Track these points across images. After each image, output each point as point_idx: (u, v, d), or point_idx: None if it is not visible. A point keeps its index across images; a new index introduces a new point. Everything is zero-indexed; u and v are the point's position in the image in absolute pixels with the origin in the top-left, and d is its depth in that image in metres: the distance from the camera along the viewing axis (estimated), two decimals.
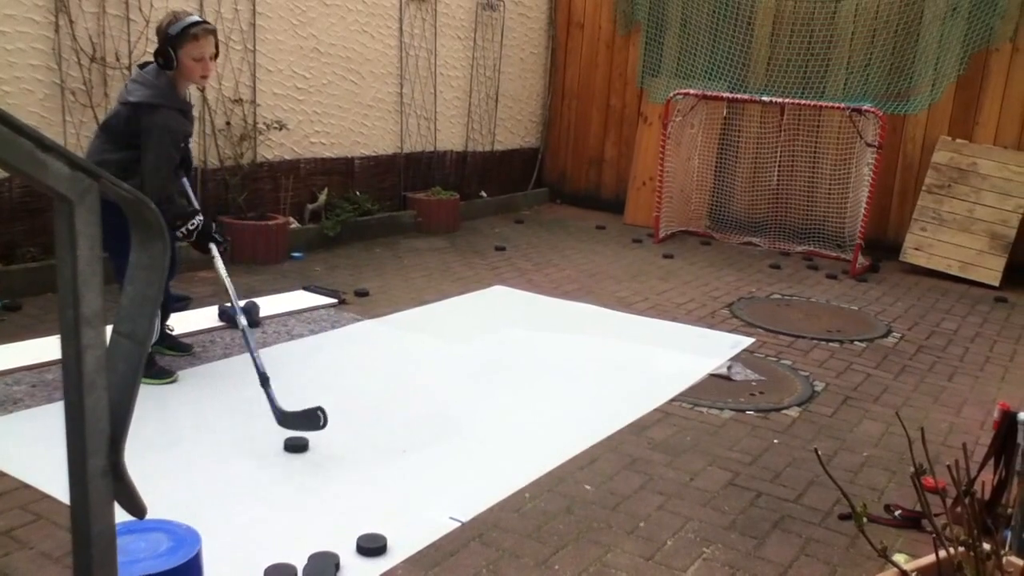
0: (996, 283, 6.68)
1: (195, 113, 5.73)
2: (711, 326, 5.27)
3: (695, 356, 4.67)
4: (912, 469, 1.77)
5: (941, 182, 7.10)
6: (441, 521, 2.83)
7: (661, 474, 3.29)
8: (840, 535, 2.92)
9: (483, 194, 8.61)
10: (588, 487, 3.14)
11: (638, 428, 3.70)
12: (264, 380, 3.43)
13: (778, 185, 7.95)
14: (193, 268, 5.59)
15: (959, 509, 1.92)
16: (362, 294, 5.39)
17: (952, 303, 6.25)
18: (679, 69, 8.35)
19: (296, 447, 3.27)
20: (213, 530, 2.55)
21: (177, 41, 3.62)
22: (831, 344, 5.07)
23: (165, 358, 4.07)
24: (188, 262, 5.52)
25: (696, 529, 2.90)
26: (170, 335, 4.22)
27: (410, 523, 2.80)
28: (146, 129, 3.61)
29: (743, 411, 3.97)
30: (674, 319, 5.36)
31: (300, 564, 2.50)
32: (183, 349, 4.25)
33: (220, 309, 4.73)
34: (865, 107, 6.92)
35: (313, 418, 3.27)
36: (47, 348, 4.03)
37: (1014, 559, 1.88)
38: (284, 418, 3.35)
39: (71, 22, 5.03)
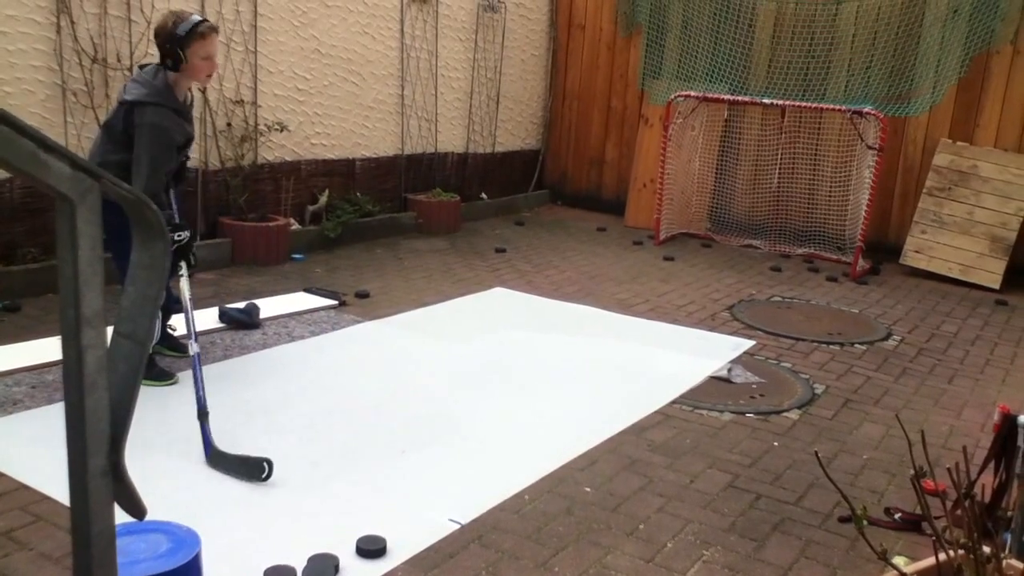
0: (996, 286, 6.68)
1: (196, 114, 5.76)
2: (711, 328, 5.26)
3: (695, 358, 4.66)
4: (912, 472, 1.77)
5: (942, 185, 7.10)
6: (441, 523, 2.83)
7: (661, 476, 3.29)
8: (840, 537, 2.92)
9: (484, 196, 8.62)
10: (588, 489, 3.14)
11: (638, 430, 3.70)
12: (202, 414, 3.23)
13: (779, 187, 7.95)
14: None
15: (959, 512, 1.92)
16: (363, 295, 5.39)
17: (952, 306, 6.25)
18: (680, 71, 8.35)
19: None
20: (213, 532, 2.54)
21: (186, 41, 3.62)
22: (831, 347, 5.07)
23: (165, 360, 4.07)
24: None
25: (696, 531, 2.90)
26: (171, 336, 4.22)
27: (410, 525, 2.80)
28: (138, 126, 3.61)
29: (743, 413, 3.97)
30: (674, 321, 5.36)
31: (300, 566, 2.50)
32: (183, 350, 4.25)
33: (220, 310, 4.73)
34: (866, 109, 6.93)
35: (256, 467, 3.04)
36: (47, 349, 4.03)
37: (1014, 562, 1.88)
38: (215, 458, 3.14)
39: (72, 23, 5.04)
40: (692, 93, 7.71)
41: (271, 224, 6.07)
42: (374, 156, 7.32)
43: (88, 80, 5.14)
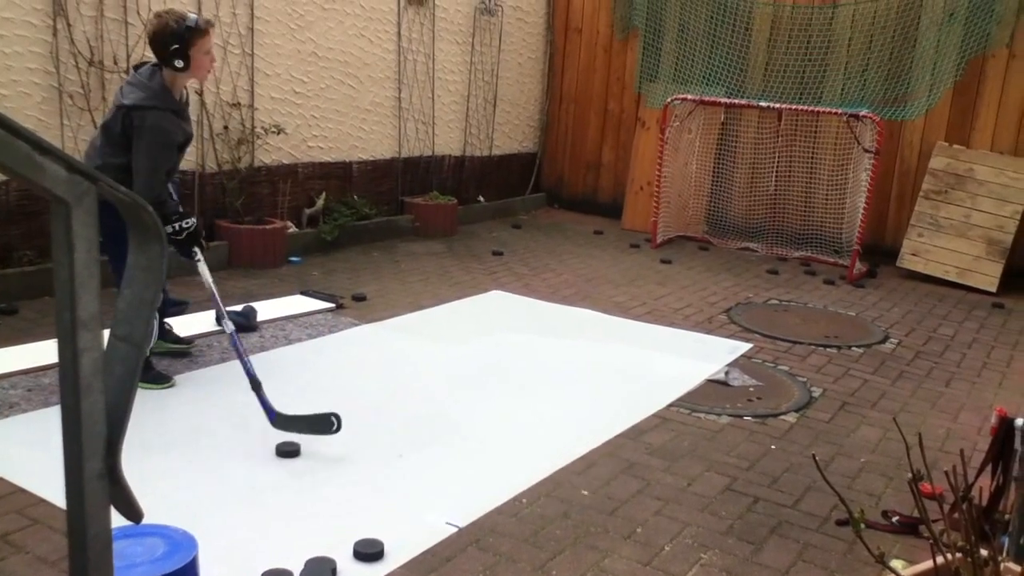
0: (993, 289, 6.69)
1: (193, 117, 5.75)
2: (709, 331, 5.27)
3: (693, 361, 4.66)
4: (909, 475, 1.77)
5: (938, 188, 7.11)
6: (438, 526, 2.82)
7: (659, 479, 3.28)
8: (838, 541, 2.92)
9: (481, 199, 8.62)
10: (585, 492, 3.14)
11: (636, 433, 3.69)
12: (256, 385, 3.40)
13: (775, 190, 7.96)
14: (191, 272, 5.58)
15: (957, 515, 1.92)
16: (360, 298, 5.38)
17: (949, 309, 6.26)
18: (677, 74, 8.36)
19: (291, 452, 3.27)
20: (210, 535, 2.54)
21: (189, 38, 3.62)
22: (828, 350, 5.08)
23: (162, 362, 4.06)
24: (185, 266, 5.52)
25: (693, 534, 2.90)
26: (169, 331, 4.23)
27: (407, 528, 2.79)
28: (138, 130, 3.62)
29: (741, 416, 3.97)
30: (671, 324, 5.36)
31: (297, 569, 2.49)
32: (183, 342, 4.27)
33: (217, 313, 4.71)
34: (862, 113, 6.94)
35: (325, 423, 3.27)
36: (43, 352, 4.02)
37: (1011, 565, 1.88)
38: (281, 421, 3.34)
39: (69, 26, 5.03)
40: (689, 96, 7.72)
41: (268, 227, 6.06)
42: (371, 159, 7.32)
43: (84, 83, 5.14)
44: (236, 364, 4.19)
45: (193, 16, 3.67)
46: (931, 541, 1.72)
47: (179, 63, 3.64)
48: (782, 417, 4.00)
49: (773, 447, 3.66)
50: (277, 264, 6.04)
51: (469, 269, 6.43)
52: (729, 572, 2.69)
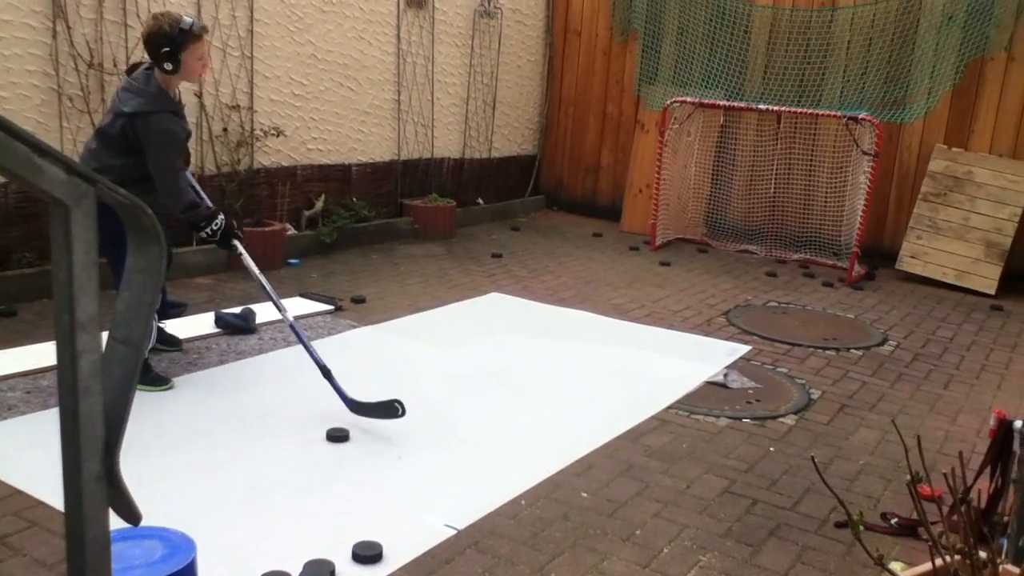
0: (992, 291, 6.69)
1: (192, 119, 5.78)
2: (707, 333, 5.27)
3: (691, 363, 4.67)
4: (908, 477, 1.77)
5: (937, 190, 7.12)
6: (437, 528, 2.82)
7: (657, 481, 3.28)
8: (836, 543, 2.92)
9: (480, 201, 8.62)
10: (584, 494, 3.14)
11: (634, 435, 3.69)
12: (326, 372, 3.62)
13: (774, 193, 7.96)
14: (189, 274, 5.59)
15: (955, 517, 1.92)
16: (359, 300, 5.38)
17: (948, 311, 6.26)
18: (676, 77, 8.37)
19: (341, 437, 3.41)
20: (208, 537, 2.53)
21: (181, 42, 3.64)
22: (827, 352, 5.08)
23: (161, 364, 4.06)
24: (184, 268, 5.53)
25: (692, 536, 2.90)
26: (161, 329, 4.24)
27: (406, 530, 2.79)
28: (146, 137, 3.64)
29: (739, 419, 3.97)
30: (670, 326, 5.37)
31: (296, 571, 2.49)
32: (174, 344, 4.28)
33: (216, 315, 4.72)
34: (861, 115, 6.94)
35: (391, 409, 3.48)
36: (42, 354, 4.02)
37: (1010, 567, 1.88)
38: (357, 408, 3.55)
39: (68, 28, 5.03)
40: (688, 99, 7.73)
41: (267, 229, 6.06)
42: (370, 161, 7.32)
43: (84, 85, 5.14)
44: (234, 366, 4.21)
45: (188, 20, 3.68)
46: (930, 543, 1.72)
47: (168, 66, 3.66)
48: (781, 419, 4.00)
49: (772, 449, 3.66)
50: (276, 266, 6.04)
51: (468, 271, 6.43)
52: (728, 574, 2.68)
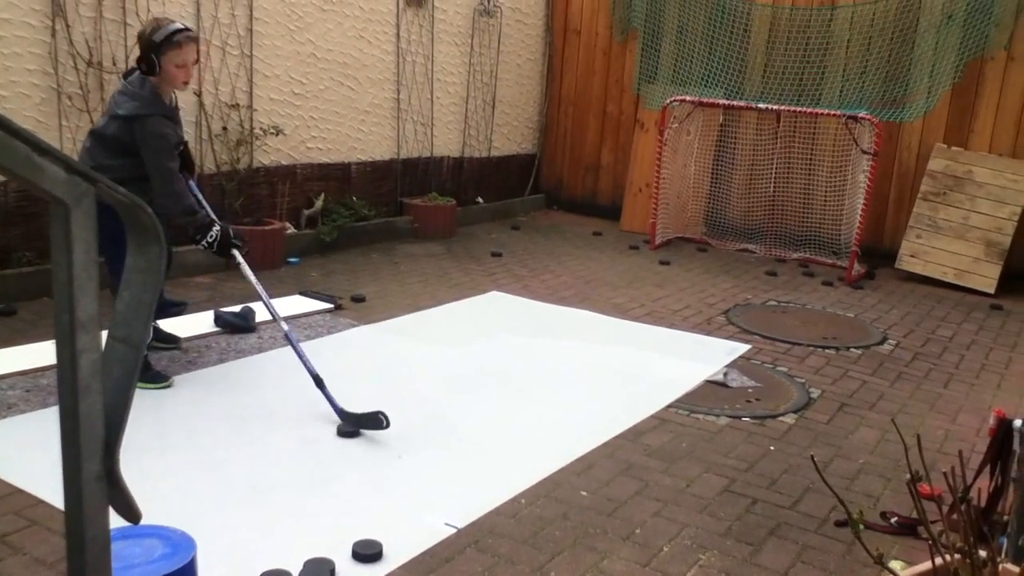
0: (991, 290, 6.70)
1: (192, 118, 5.79)
2: (707, 332, 5.27)
3: (691, 362, 4.67)
4: (908, 476, 1.77)
5: (937, 189, 7.12)
6: (437, 527, 2.82)
7: (657, 480, 3.28)
8: (836, 542, 2.92)
9: (480, 200, 8.62)
10: (584, 493, 3.14)
11: (634, 434, 3.70)
12: (318, 382, 3.58)
13: (774, 192, 7.96)
14: (189, 273, 5.59)
15: (955, 516, 1.92)
16: (358, 299, 5.38)
17: (948, 310, 6.26)
18: (675, 76, 8.37)
19: (351, 433, 3.42)
20: (208, 536, 2.54)
21: (161, 48, 3.67)
22: (827, 351, 5.08)
23: (161, 363, 4.06)
24: (183, 267, 5.52)
25: (692, 536, 2.90)
26: (157, 328, 4.24)
27: (406, 529, 2.79)
28: (142, 140, 3.69)
29: (739, 418, 3.97)
30: (670, 325, 5.37)
31: (296, 570, 2.49)
32: (171, 341, 4.28)
33: (216, 314, 4.72)
34: (861, 114, 6.94)
35: (376, 420, 3.44)
36: (42, 353, 4.02)
37: (1010, 566, 1.88)
38: (347, 418, 3.52)
39: (68, 27, 5.03)
40: (687, 98, 7.73)
41: (267, 228, 6.06)
42: (370, 160, 7.32)
43: (83, 84, 5.14)
44: (234, 365, 4.21)
45: (174, 27, 3.70)
46: (930, 542, 1.72)
47: (144, 67, 3.70)
48: (781, 418, 4.00)
49: (772, 448, 3.66)
50: (276, 265, 6.04)
51: (468, 270, 6.43)
52: (728, 573, 2.69)
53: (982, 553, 1.71)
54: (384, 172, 7.48)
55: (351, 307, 5.26)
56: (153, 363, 3.97)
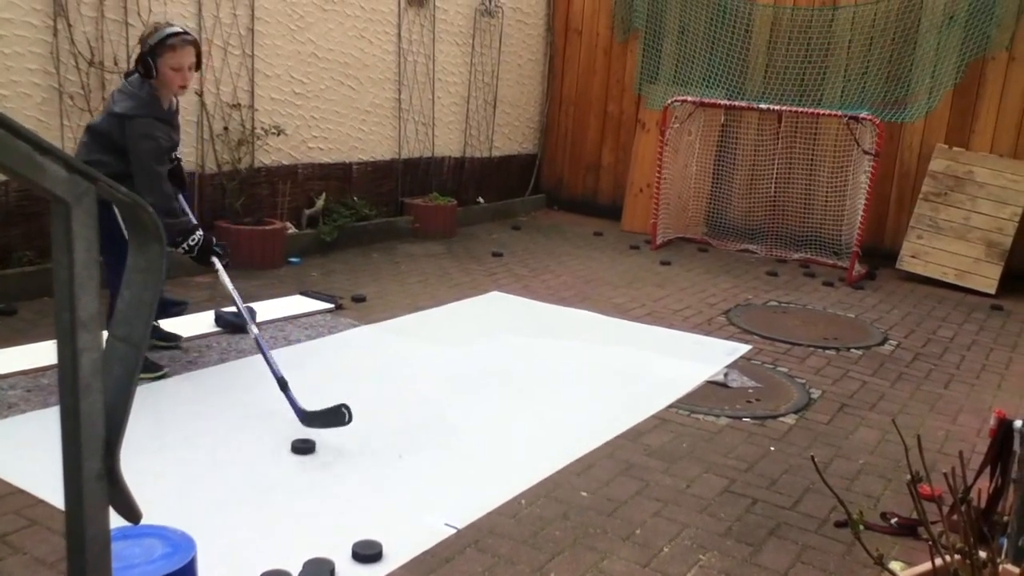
0: (992, 291, 6.69)
1: (193, 118, 5.79)
2: (708, 333, 5.27)
3: (692, 363, 4.67)
4: (908, 477, 1.77)
5: (938, 190, 7.12)
6: (437, 527, 2.82)
7: (657, 480, 3.28)
8: (836, 543, 2.92)
9: (480, 200, 8.62)
10: (584, 493, 3.14)
11: (634, 434, 3.69)
12: (282, 384, 3.51)
13: (775, 192, 7.96)
14: (189, 273, 5.58)
15: (955, 517, 1.92)
16: (359, 299, 5.38)
17: (948, 311, 6.26)
18: (677, 76, 8.37)
19: (306, 449, 3.30)
20: (208, 536, 2.54)
21: (156, 51, 3.69)
22: (827, 351, 5.08)
23: (162, 362, 4.06)
24: (184, 267, 5.52)
25: (692, 536, 2.90)
26: (157, 327, 4.25)
27: (406, 529, 2.79)
28: (130, 138, 3.74)
29: (739, 418, 3.97)
30: (671, 326, 5.37)
31: (295, 570, 2.49)
32: (172, 340, 4.28)
33: (216, 314, 4.72)
34: (862, 115, 6.94)
35: (337, 415, 3.34)
36: (43, 352, 4.02)
37: (1010, 567, 1.88)
38: (307, 418, 3.41)
39: (69, 26, 5.03)
40: (689, 98, 7.73)
41: (267, 228, 6.06)
42: (371, 160, 7.32)
43: (85, 83, 5.14)
44: (234, 364, 4.21)
45: (170, 30, 3.72)
46: (930, 543, 1.72)
47: (142, 69, 3.73)
48: (781, 419, 4.00)
49: (772, 449, 3.66)
50: (276, 265, 6.04)
51: (468, 270, 6.43)
52: (728, 573, 2.69)
53: (982, 554, 1.71)
54: (385, 172, 7.48)
55: (352, 307, 5.26)
56: (146, 354, 3.98)
